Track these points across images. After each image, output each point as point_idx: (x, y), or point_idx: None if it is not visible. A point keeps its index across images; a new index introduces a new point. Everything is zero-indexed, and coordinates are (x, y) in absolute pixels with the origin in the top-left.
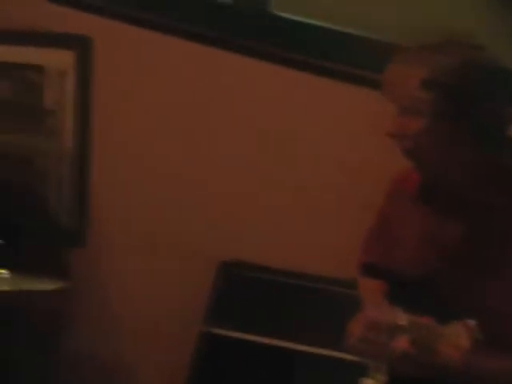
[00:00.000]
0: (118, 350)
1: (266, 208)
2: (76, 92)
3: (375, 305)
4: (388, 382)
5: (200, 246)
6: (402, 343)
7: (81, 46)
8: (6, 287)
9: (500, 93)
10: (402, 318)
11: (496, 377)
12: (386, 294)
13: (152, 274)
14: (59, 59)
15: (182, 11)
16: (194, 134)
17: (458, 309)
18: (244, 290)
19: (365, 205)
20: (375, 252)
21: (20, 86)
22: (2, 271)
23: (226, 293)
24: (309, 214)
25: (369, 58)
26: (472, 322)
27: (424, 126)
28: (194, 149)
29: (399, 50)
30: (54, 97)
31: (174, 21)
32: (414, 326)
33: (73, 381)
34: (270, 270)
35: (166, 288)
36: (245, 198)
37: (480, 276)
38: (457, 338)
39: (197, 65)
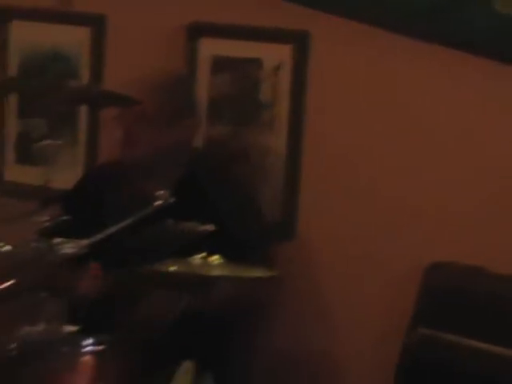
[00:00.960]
0: (324, 347)
1: (471, 210)
2: (291, 86)
3: None
4: None
5: (407, 248)
6: None
7: (298, 40)
8: (219, 272)
9: None
10: None
11: None
12: None
13: (359, 270)
14: (276, 53)
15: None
16: (409, 141)
17: None
18: (453, 293)
19: None
20: None
21: (238, 79)
22: (216, 258)
23: (435, 294)
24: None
25: None
26: None
27: None
28: (406, 158)
29: None
30: (269, 90)
31: (398, 17)
32: None
33: (273, 376)
34: (482, 271)
35: (374, 285)
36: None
37: None
38: None
39: (421, 66)
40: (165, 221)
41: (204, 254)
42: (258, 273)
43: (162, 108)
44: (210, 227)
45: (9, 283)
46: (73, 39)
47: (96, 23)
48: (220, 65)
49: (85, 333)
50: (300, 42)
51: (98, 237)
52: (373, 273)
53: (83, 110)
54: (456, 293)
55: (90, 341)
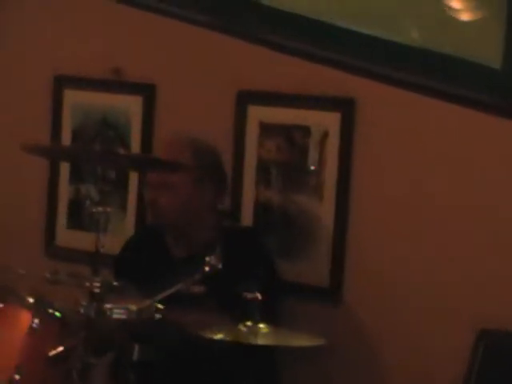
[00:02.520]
0: None
1: None
2: (338, 153)
3: None
4: None
5: (459, 310)
6: None
7: (346, 107)
8: (268, 342)
9: None
10: None
11: None
12: None
13: (408, 334)
14: (324, 120)
15: (450, 74)
16: (462, 205)
17: None
18: (505, 361)
19: None
20: None
21: (286, 145)
22: (262, 326)
23: (485, 361)
24: None
25: None
26: None
27: None
28: (456, 221)
29: None
30: (317, 157)
31: (445, 84)
32: None
33: None
34: None
35: (424, 348)
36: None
37: None
38: None
39: (468, 130)
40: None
41: (250, 323)
42: (305, 341)
43: (192, 170)
44: (257, 295)
45: (60, 349)
46: (123, 107)
47: (146, 92)
48: (268, 131)
49: None
50: (347, 109)
51: (148, 303)
52: (422, 341)
53: (133, 176)
54: (502, 361)
55: None
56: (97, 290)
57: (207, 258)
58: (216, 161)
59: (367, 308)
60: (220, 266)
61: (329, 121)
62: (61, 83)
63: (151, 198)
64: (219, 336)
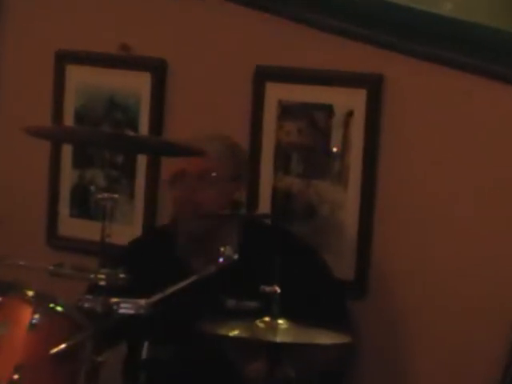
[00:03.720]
0: None
1: None
2: (364, 134)
3: None
4: None
5: (493, 308)
6: None
7: (372, 84)
8: (287, 339)
9: None
10: None
11: None
12: None
13: (439, 331)
14: (348, 98)
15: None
16: (488, 188)
17: None
18: None
19: None
20: None
21: (307, 126)
22: (281, 322)
23: None
24: None
25: None
26: None
27: None
28: (485, 204)
29: None
30: (340, 139)
31: (480, 59)
32: None
33: None
34: None
35: (457, 346)
36: None
37: None
38: None
39: (500, 106)
40: (225, 300)
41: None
42: (329, 339)
43: (226, 168)
44: (276, 289)
45: (63, 346)
46: (131, 85)
47: (156, 68)
48: (288, 111)
49: None
50: (374, 86)
51: (157, 297)
52: (454, 338)
53: (142, 162)
54: None
55: None
56: (103, 283)
57: (222, 248)
58: (247, 159)
59: (395, 303)
60: (236, 257)
61: (354, 99)
62: (63, 59)
63: (188, 191)
64: (235, 332)
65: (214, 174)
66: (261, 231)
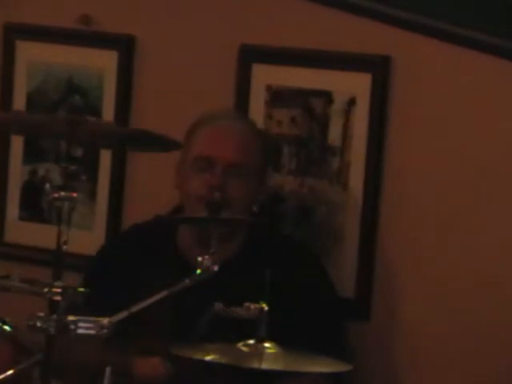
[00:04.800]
0: None
1: None
2: (368, 126)
3: None
4: None
5: (504, 322)
6: None
7: (377, 67)
8: (275, 366)
9: None
10: None
11: None
12: None
13: (452, 356)
14: (350, 84)
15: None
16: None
17: None
18: None
19: None
20: None
21: (301, 116)
22: (268, 346)
23: None
24: None
25: None
26: None
27: None
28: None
29: None
30: (340, 131)
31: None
32: None
33: None
34: None
35: (471, 372)
36: None
37: None
38: None
39: None
40: (212, 305)
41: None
42: (325, 366)
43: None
44: (263, 307)
45: (9, 373)
46: (93, 65)
47: (123, 45)
48: (278, 98)
49: None
50: (379, 69)
51: (122, 315)
52: (469, 365)
53: (105, 155)
54: None
55: None
56: (58, 299)
57: (199, 258)
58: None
59: (400, 324)
60: (216, 269)
61: (356, 84)
62: (12, 33)
63: (218, 183)
64: (211, 357)
65: (246, 166)
66: (254, 236)
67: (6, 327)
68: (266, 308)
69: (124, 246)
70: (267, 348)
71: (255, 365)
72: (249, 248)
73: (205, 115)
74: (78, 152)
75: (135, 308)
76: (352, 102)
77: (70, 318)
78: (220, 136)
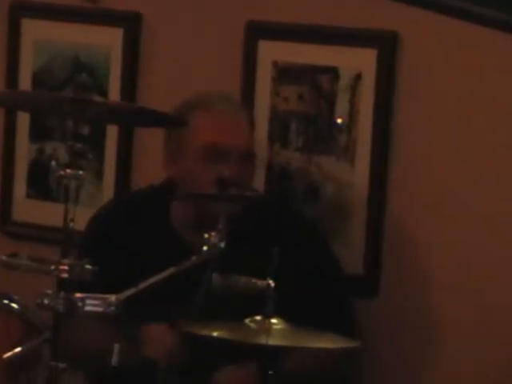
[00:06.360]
0: None
1: None
2: (374, 102)
3: None
4: None
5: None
6: None
7: (384, 43)
8: (282, 342)
9: None
10: None
11: None
12: None
13: (460, 334)
14: (356, 60)
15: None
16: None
17: None
18: None
19: None
20: None
21: (307, 92)
22: (275, 321)
23: None
24: None
25: None
26: None
27: None
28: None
29: None
30: (347, 107)
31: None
32: None
33: None
34: None
35: (478, 353)
36: None
37: None
38: None
39: None
40: (211, 274)
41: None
42: (332, 343)
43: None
44: (269, 283)
45: (17, 350)
46: (99, 43)
47: (129, 23)
48: (285, 74)
49: None
50: (386, 45)
51: (129, 292)
52: (477, 343)
53: (112, 133)
54: None
55: None
56: (65, 276)
57: (206, 235)
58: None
59: (409, 300)
60: (223, 246)
61: (363, 60)
62: (18, 11)
63: (235, 175)
64: (218, 334)
65: (255, 152)
66: (260, 212)
67: (15, 305)
68: (273, 284)
69: (116, 218)
70: (274, 324)
71: (262, 341)
72: (255, 224)
73: (196, 98)
74: (85, 130)
75: (143, 285)
76: (358, 78)
77: (78, 295)
78: (227, 124)
